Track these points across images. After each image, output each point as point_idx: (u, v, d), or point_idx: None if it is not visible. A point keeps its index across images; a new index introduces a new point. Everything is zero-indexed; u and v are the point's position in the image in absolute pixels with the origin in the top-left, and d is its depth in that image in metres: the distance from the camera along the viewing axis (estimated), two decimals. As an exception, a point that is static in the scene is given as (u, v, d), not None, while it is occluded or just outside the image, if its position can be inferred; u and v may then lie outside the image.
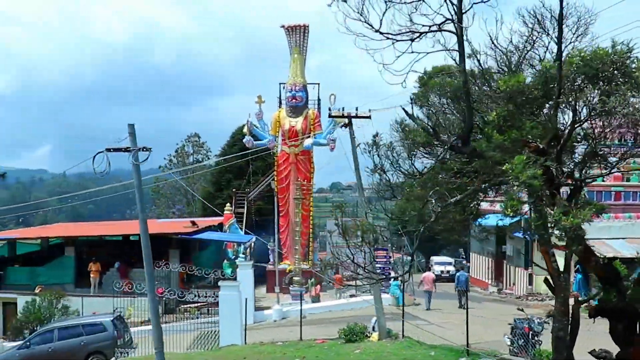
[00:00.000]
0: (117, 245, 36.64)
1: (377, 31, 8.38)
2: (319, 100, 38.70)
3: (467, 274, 31.92)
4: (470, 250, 43.53)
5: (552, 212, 9.76)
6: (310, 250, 37.77)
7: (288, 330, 26.21)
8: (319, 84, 38.83)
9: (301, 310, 23.22)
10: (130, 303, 30.74)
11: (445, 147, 10.40)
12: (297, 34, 38.04)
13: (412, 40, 8.48)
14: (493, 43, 10.57)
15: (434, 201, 10.22)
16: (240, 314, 22.66)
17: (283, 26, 38.21)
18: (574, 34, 10.29)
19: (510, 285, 35.45)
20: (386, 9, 8.15)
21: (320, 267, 35.31)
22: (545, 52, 10.83)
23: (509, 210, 9.09)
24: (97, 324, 22.85)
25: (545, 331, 16.75)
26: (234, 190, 41.23)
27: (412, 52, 8.47)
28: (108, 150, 11.20)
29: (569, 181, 11.11)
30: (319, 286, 34.02)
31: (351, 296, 32.25)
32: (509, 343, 17.40)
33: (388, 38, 8.49)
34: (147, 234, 14.06)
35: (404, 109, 10.22)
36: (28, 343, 22.65)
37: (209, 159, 56.28)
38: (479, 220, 14.87)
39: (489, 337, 20.30)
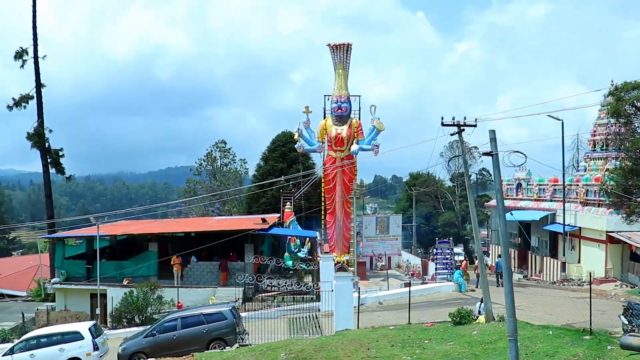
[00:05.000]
0: (183, 240, 35.78)
1: None
2: (359, 110, 38.56)
3: None
4: (491, 242, 43.99)
5: None
6: (354, 243, 37.62)
7: (375, 315, 25.92)
8: (359, 96, 38.66)
9: (410, 294, 22.92)
10: (212, 293, 30.18)
11: None
12: (341, 51, 37.71)
13: None
14: None
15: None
16: (352, 301, 22.29)
17: (329, 45, 37.79)
18: None
19: (536, 273, 35.84)
20: None
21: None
22: None
23: None
24: (217, 312, 22.18)
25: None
26: (281, 190, 40.74)
27: None
28: (486, 154, 10.79)
29: None
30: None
31: (405, 285, 32.04)
32: (626, 322, 17.43)
33: None
34: (505, 229, 12.84)
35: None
36: (154, 332, 21.84)
37: (239, 162, 55.62)
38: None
39: (577, 318, 20.09)
